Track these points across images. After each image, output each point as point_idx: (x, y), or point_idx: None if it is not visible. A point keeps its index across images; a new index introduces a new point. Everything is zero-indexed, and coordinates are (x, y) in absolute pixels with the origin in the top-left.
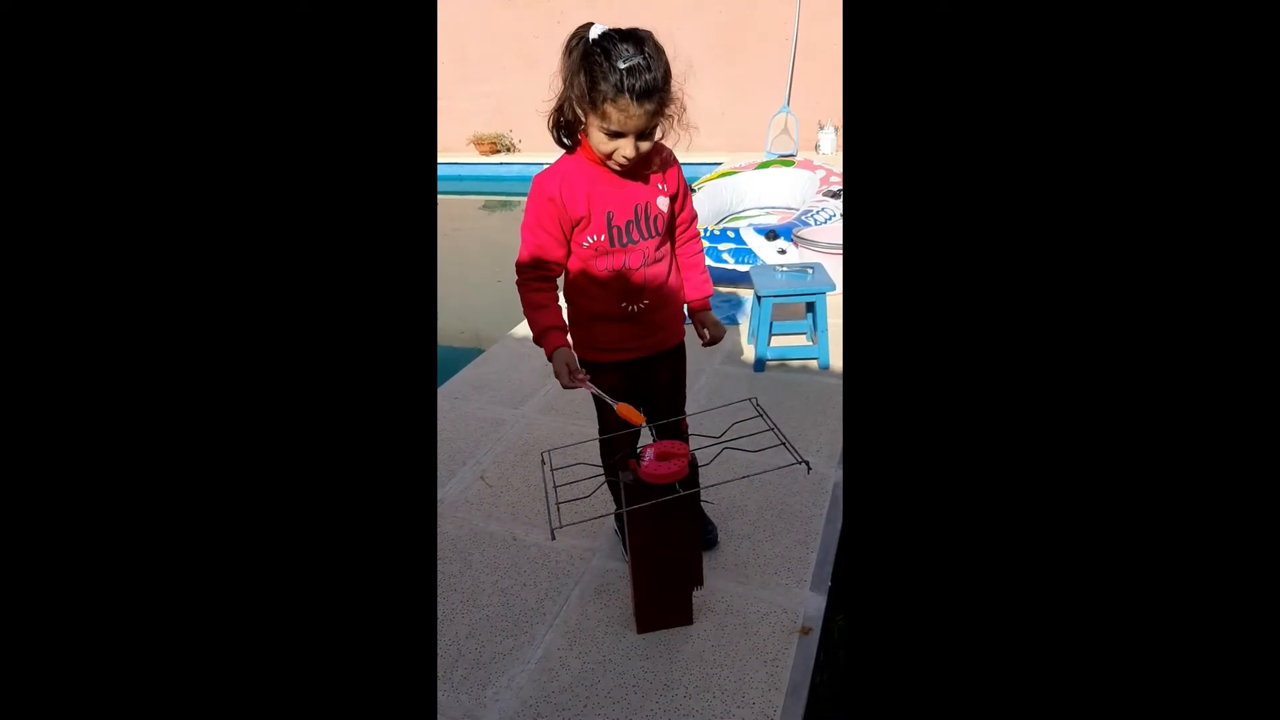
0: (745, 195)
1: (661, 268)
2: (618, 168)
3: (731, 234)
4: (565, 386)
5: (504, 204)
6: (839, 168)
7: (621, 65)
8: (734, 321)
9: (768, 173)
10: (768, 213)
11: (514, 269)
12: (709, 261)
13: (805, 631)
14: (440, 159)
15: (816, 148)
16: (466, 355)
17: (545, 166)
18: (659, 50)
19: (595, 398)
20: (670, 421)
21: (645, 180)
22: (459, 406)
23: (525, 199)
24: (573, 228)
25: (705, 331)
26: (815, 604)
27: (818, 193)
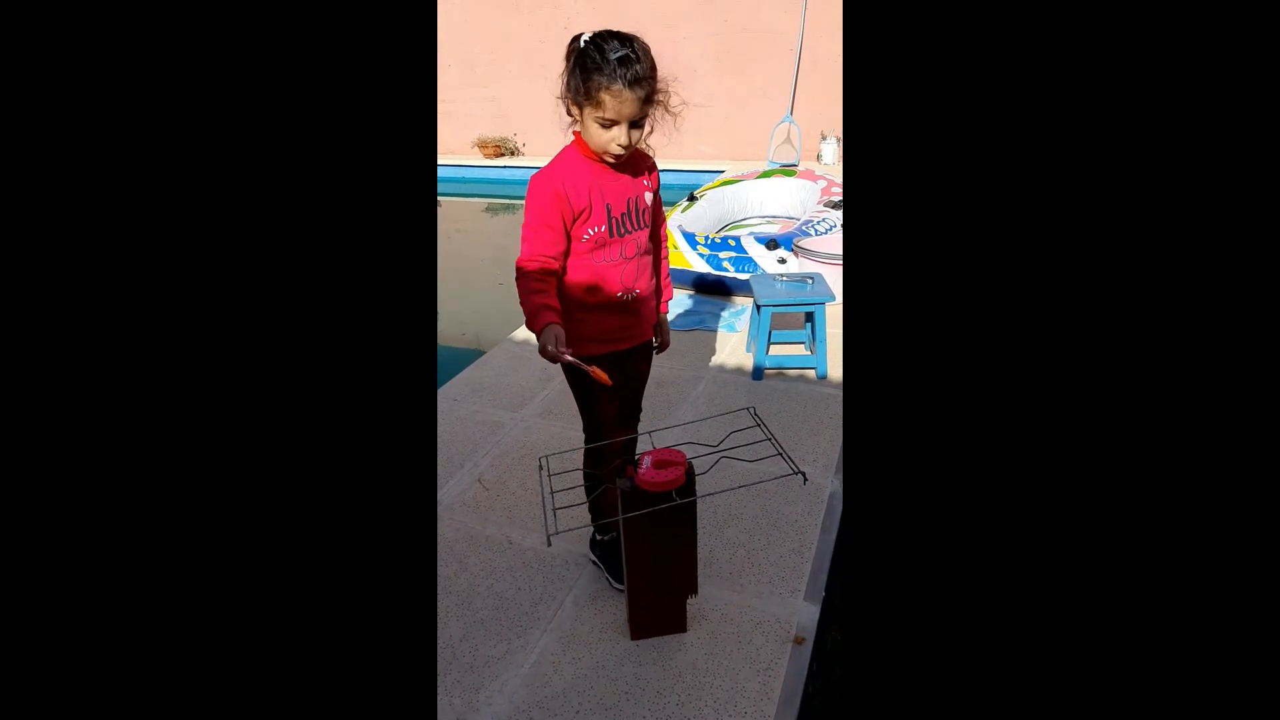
0: (747, 204)
1: (649, 259)
2: (612, 159)
3: (732, 242)
4: (548, 355)
5: (507, 207)
6: (841, 178)
7: (613, 57)
8: (732, 329)
9: (769, 182)
10: (769, 222)
11: (515, 270)
12: (707, 268)
13: (799, 641)
14: (444, 161)
15: (819, 158)
16: (466, 357)
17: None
18: (645, 47)
19: (574, 376)
20: (636, 417)
21: (634, 174)
22: (457, 409)
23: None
24: (575, 220)
25: (657, 339)
26: (809, 614)
27: (819, 203)
